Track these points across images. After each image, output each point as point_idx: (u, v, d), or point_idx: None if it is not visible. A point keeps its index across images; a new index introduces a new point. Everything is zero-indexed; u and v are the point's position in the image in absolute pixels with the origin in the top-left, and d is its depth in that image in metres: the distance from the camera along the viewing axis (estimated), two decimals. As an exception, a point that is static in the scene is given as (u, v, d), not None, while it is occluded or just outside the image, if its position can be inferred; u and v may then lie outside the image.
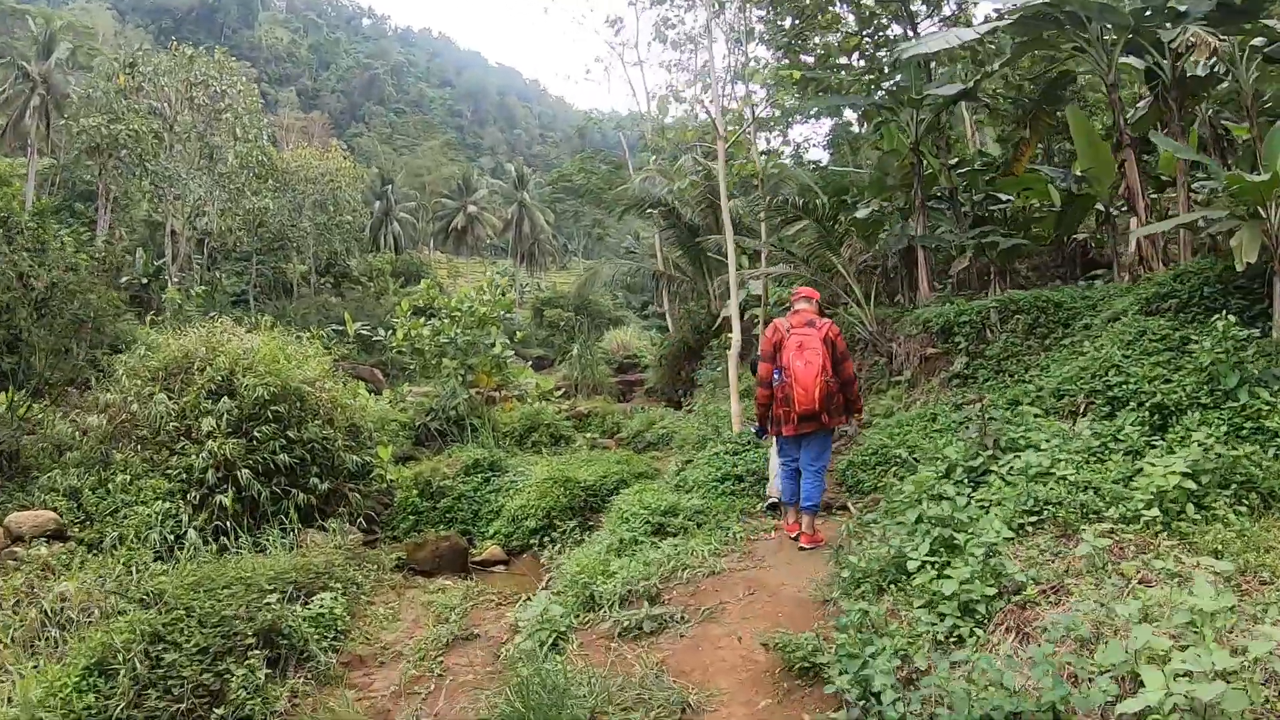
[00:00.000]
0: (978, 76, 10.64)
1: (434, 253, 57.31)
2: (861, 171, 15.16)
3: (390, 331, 14.31)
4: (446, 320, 14.26)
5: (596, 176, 27.06)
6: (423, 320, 14.54)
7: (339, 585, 7.95)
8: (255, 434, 9.66)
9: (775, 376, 6.03)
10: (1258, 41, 8.87)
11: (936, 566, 4.23)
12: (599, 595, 5.25)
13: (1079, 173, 10.46)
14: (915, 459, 6.93)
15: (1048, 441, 6.01)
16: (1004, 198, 11.55)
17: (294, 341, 13.16)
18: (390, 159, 56.71)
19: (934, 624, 3.82)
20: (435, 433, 13.96)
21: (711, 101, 9.26)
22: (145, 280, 30.98)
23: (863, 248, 9.98)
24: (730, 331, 18.45)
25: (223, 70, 30.98)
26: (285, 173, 38.49)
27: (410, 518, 10.61)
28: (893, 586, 4.36)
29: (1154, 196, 10.16)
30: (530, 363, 36.25)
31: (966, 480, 5.82)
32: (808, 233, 10.51)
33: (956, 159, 12.74)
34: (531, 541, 9.96)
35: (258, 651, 5.29)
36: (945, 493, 4.97)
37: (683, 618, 4.75)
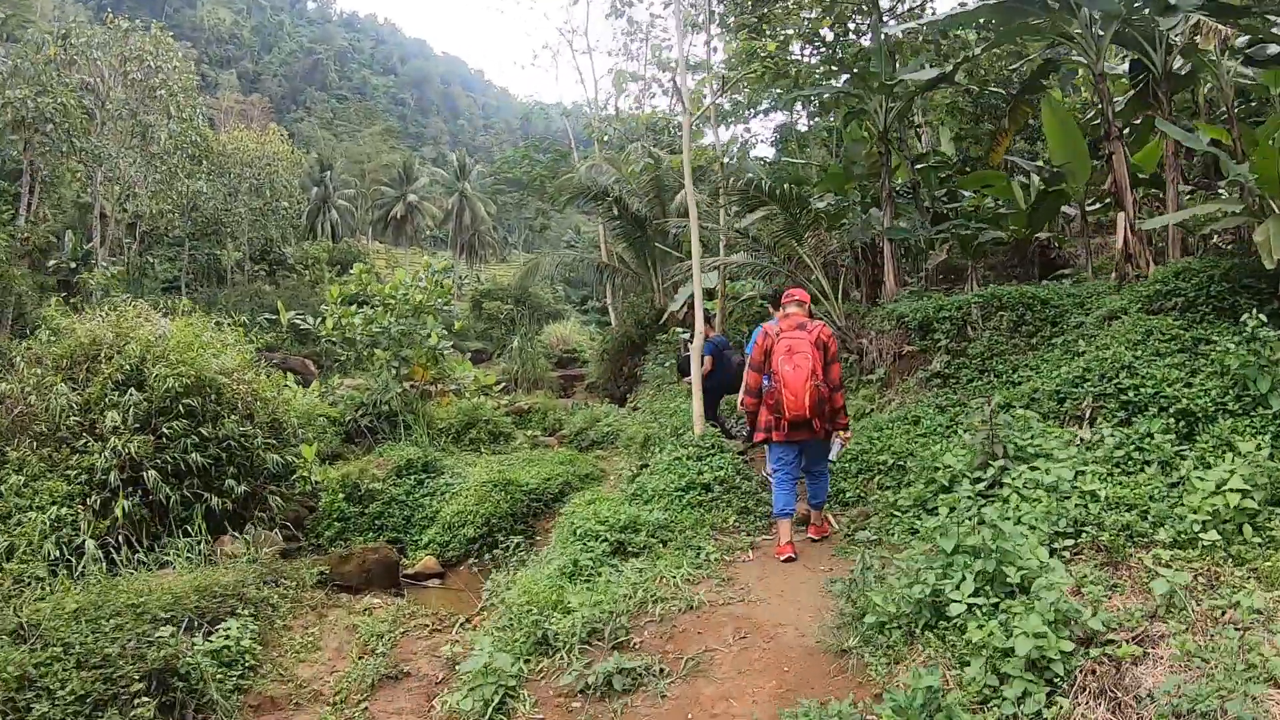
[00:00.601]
0: (958, 61, 9.90)
1: (372, 242, 54.95)
2: (812, 165, 14.43)
3: (320, 320, 12.92)
4: (380, 308, 12.95)
5: (540, 166, 25.82)
6: (355, 308, 13.19)
7: (250, 609, 6.85)
8: (165, 430, 8.43)
9: (765, 382, 5.60)
10: (1240, 41, 8.37)
11: (984, 610, 3.33)
12: (554, 635, 4.22)
13: (1054, 167, 9.84)
14: (902, 465, 6.08)
15: (1063, 450, 5.21)
16: (968, 194, 10.89)
17: (214, 328, 11.80)
18: (330, 145, 54.06)
19: (997, 689, 2.91)
20: (366, 429, 12.67)
21: (677, 68, 8.25)
22: (74, 265, 28.59)
23: (828, 238, 9.15)
24: (680, 325, 17.75)
25: (159, 46, 28.69)
26: (221, 155, 36.25)
27: (335, 524, 9.41)
28: (928, 634, 3.45)
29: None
30: (469, 356, 34.90)
31: (975, 495, 4.98)
32: (775, 220, 9.63)
33: (918, 154, 12.07)
34: (470, 551, 8.86)
35: (147, 700, 4.33)
36: (984, 515, 4.07)
37: (662, 670, 3.76)
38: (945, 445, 5.89)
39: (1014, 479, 4.99)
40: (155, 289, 36.76)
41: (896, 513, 5.31)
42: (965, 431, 5.64)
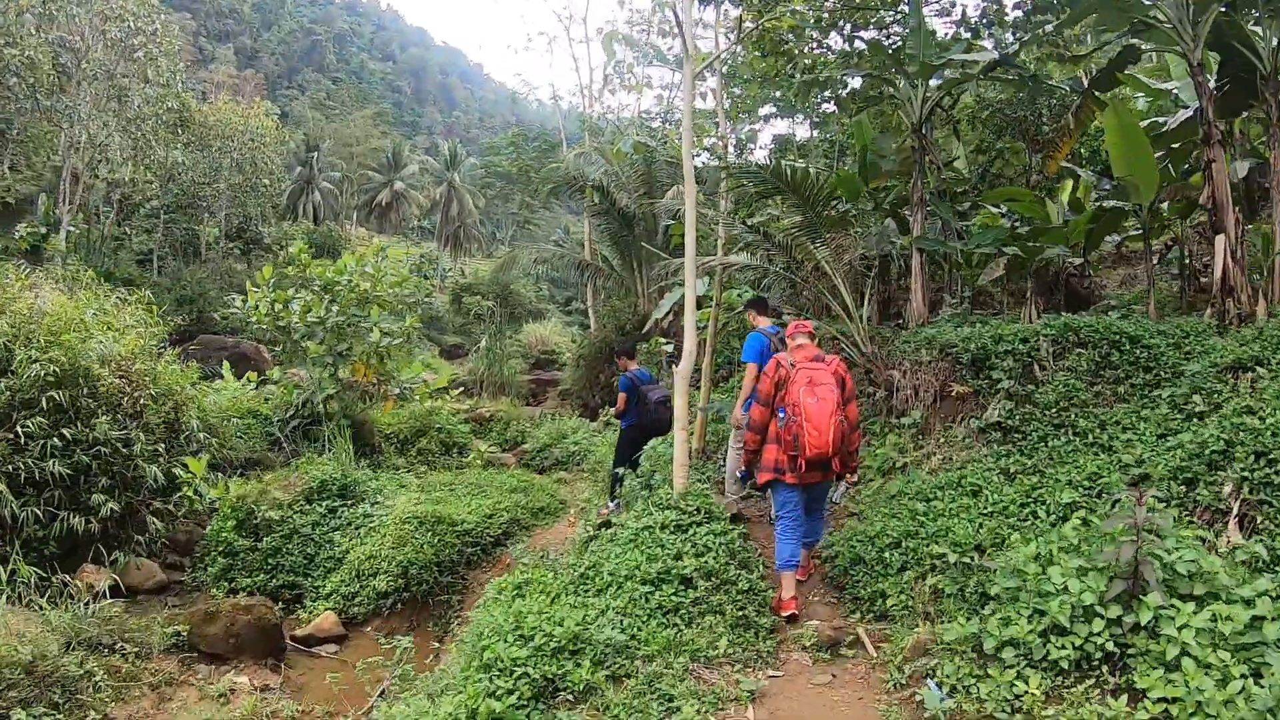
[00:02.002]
0: (1014, 46, 7.99)
1: (356, 228, 52.44)
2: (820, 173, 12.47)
3: (247, 303, 10.78)
4: (318, 294, 10.82)
5: (526, 155, 23.73)
6: (291, 292, 11.06)
7: (56, 693, 5.07)
8: (20, 429, 6.80)
9: (780, 416, 4.84)
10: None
11: None
12: None
13: (1115, 179, 7.96)
14: (967, 564, 4.10)
15: (1231, 574, 3.31)
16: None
17: (115, 305, 9.70)
18: (319, 125, 51.40)
19: None
20: (297, 433, 10.55)
21: (680, 10, 6.22)
22: (45, 230, 26.09)
23: (851, 242, 7.19)
24: (664, 335, 15.68)
25: (141, 7, 26.28)
26: (203, 127, 33.83)
27: (221, 560, 7.32)
28: None
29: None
30: (445, 350, 32.71)
31: (1118, 646, 3.04)
32: (789, 215, 7.60)
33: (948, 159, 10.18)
34: (380, 608, 6.80)
35: None
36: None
37: None
38: (1032, 538, 3.91)
39: (1176, 624, 3.05)
40: (130, 260, 34.37)
41: (983, 660, 3.32)
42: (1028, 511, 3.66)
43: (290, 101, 63.18)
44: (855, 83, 9.63)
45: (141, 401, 8.16)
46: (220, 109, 34.21)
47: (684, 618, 3.97)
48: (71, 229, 27.58)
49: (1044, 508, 4.53)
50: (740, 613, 4.06)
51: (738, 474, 5.58)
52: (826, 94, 10.42)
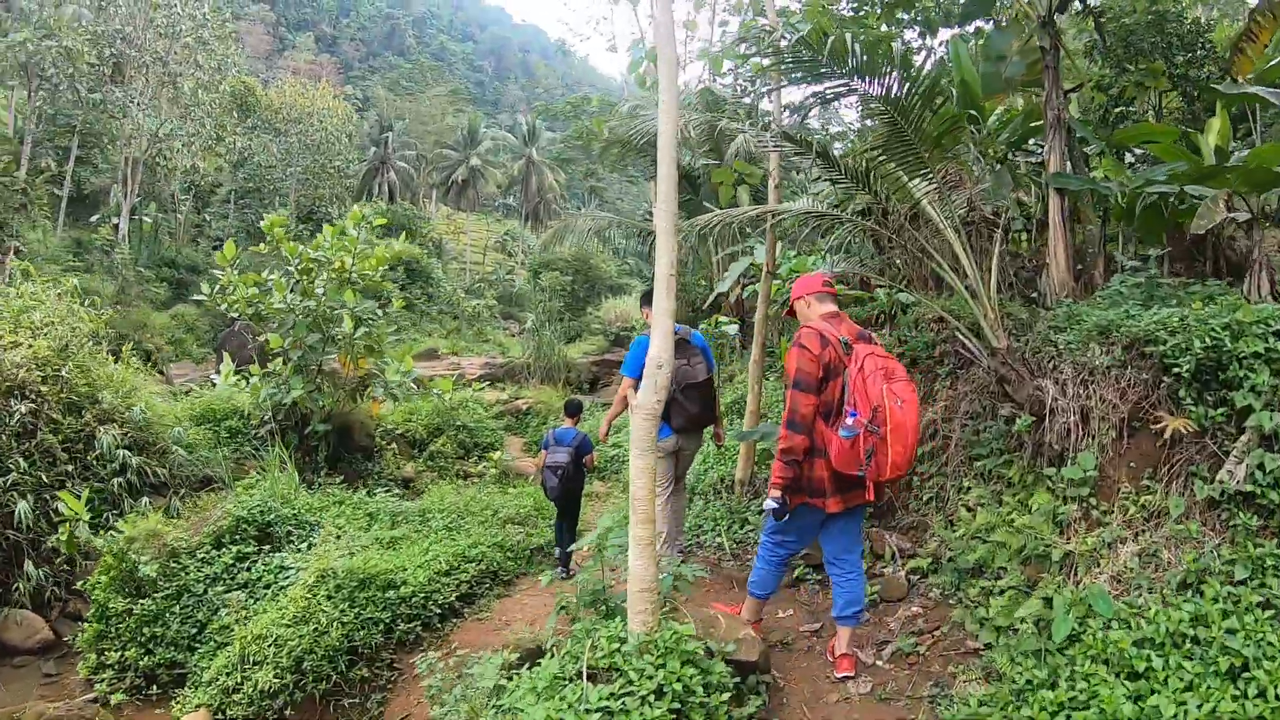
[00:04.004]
0: None
1: (436, 205, 51.74)
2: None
3: (216, 288, 9.02)
4: (293, 276, 8.94)
5: (587, 117, 21.56)
6: (266, 273, 9.23)
7: None
8: None
9: (847, 423, 3.16)
10: None
11: None
12: None
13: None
14: None
15: None
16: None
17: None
18: (392, 104, 50.74)
19: None
20: (270, 440, 8.75)
21: None
22: (115, 220, 26.02)
23: (968, 178, 4.58)
24: (730, 314, 13.28)
25: (189, -8, 25.69)
26: (269, 109, 33.36)
27: (95, 625, 5.49)
28: None
29: None
30: (524, 330, 31.34)
31: None
32: (874, 127, 4.93)
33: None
34: (266, 709, 4.79)
35: None
36: None
37: None
38: None
39: None
40: (207, 248, 34.49)
41: None
42: None
43: (361, 81, 63.10)
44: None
45: (30, 419, 6.51)
46: (287, 92, 33.61)
47: None
48: (146, 218, 27.43)
49: None
50: None
51: (770, 504, 3.33)
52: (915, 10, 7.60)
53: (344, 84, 56.68)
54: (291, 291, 8.64)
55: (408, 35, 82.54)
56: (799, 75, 3.98)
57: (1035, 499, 3.51)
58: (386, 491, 8.13)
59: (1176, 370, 3.33)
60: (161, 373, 17.74)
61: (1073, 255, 5.55)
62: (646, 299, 4.97)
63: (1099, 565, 3.11)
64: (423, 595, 5.42)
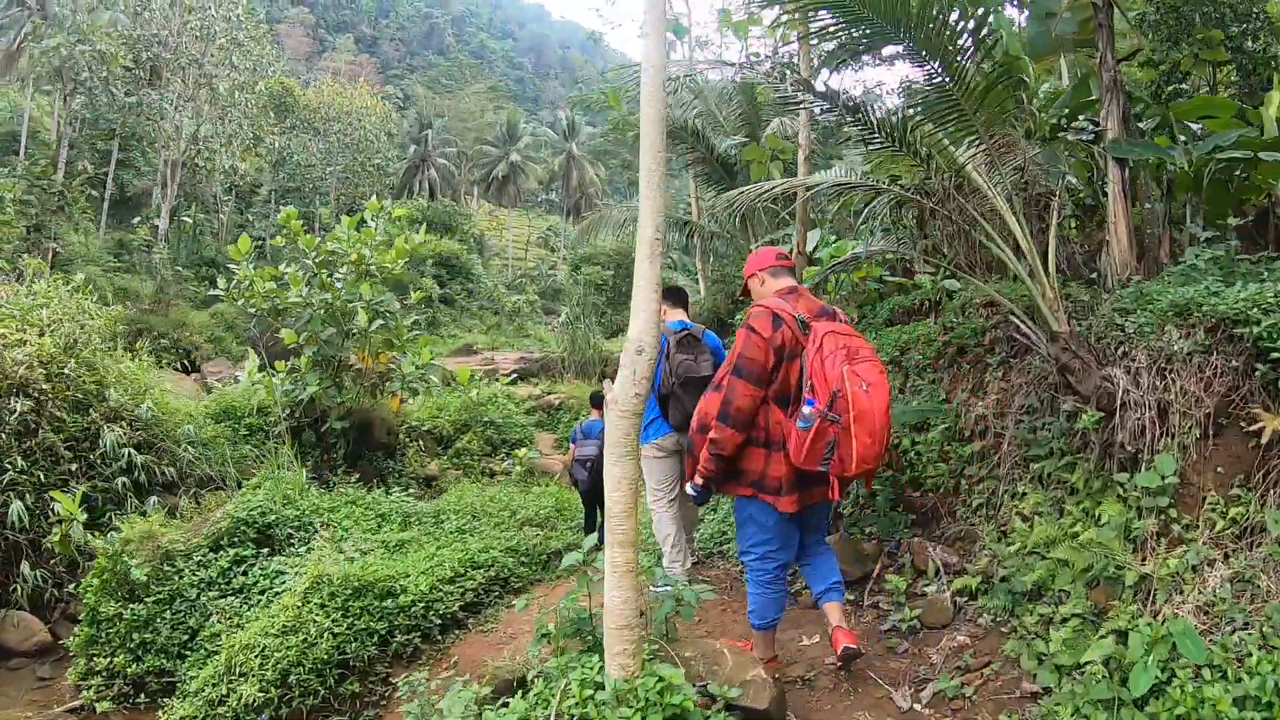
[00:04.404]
0: None
1: (477, 202, 51.87)
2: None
3: (232, 282, 8.85)
4: (309, 269, 8.73)
5: (621, 108, 21.07)
6: (283, 267, 9.04)
7: None
8: None
9: (804, 412, 2.80)
10: None
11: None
12: None
13: None
14: None
15: None
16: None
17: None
18: (431, 102, 50.98)
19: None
20: (287, 438, 8.56)
21: None
22: (155, 221, 26.53)
23: (1022, 143, 4.00)
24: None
25: (220, -5, 26.01)
26: (307, 109, 33.74)
27: (88, 628, 5.30)
28: None
29: None
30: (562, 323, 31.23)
31: None
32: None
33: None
34: (248, 725, 4.49)
35: None
36: None
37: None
38: None
39: None
40: (252, 254, 35.06)
41: None
42: None
43: (407, 84, 63.62)
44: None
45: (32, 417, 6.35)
46: (324, 92, 33.92)
47: None
48: (186, 219, 27.88)
49: None
50: None
51: (690, 491, 3.14)
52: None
53: (384, 84, 57.14)
54: (309, 285, 8.43)
55: (447, 34, 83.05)
56: (832, 19, 3.46)
57: (1104, 509, 2.96)
58: (402, 491, 7.84)
59: (1275, 356, 2.76)
60: (197, 369, 17.86)
61: (1132, 230, 4.93)
62: (668, 294, 4.51)
63: (1181, 593, 2.57)
64: (423, 605, 5.06)
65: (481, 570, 5.66)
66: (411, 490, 8.57)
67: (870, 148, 3.63)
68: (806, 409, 2.77)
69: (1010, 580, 3.10)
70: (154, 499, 6.92)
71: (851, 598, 3.56)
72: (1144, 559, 2.76)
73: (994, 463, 3.80)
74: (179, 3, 25.48)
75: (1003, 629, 3.04)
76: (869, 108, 3.59)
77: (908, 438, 4.58)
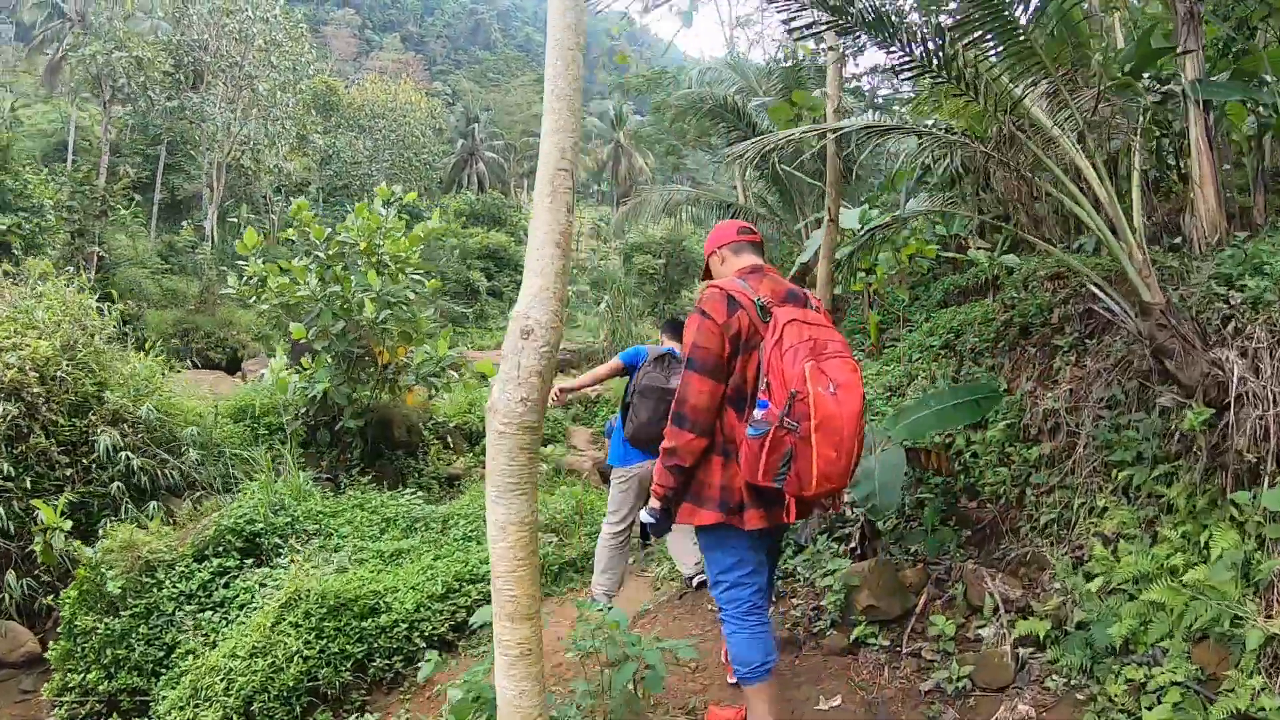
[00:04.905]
0: None
1: (527, 194, 51.88)
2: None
3: (244, 279, 8.57)
4: (319, 262, 8.37)
5: (665, 92, 20.51)
6: (295, 260, 8.71)
7: None
8: None
9: (757, 414, 2.33)
10: None
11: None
12: None
13: None
14: None
15: None
16: None
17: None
18: (477, 96, 51.10)
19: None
20: (300, 437, 8.25)
21: None
22: (203, 224, 27.03)
23: (1097, 85, 3.25)
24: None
25: (255, -2, 26.26)
26: (351, 107, 34.04)
27: (65, 642, 5.00)
28: None
29: None
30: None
31: None
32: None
33: None
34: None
35: None
36: None
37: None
38: None
39: None
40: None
41: None
42: None
43: (454, 80, 63.97)
44: None
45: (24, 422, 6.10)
46: (368, 89, 34.16)
47: None
48: (233, 219, 28.35)
49: None
50: None
51: (646, 517, 2.56)
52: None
53: (431, 80, 57.55)
54: (320, 279, 8.07)
55: (492, 29, 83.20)
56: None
57: (1214, 537, 2.24)
58: (413, 493, 7.38)
59: None
60: (239, 368, 17.99)
61: (1218, 182, 4.08)
62: (670, 327, 4.14)
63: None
64: (406, 625, 4.58)
65: (478, 585, 5.14)
66: (430, 491, 8.17)
67: (901, 77, 2.94)
68: (758, 412, 2.25)
69: (1089, 629, 2.38)
70: (154, 503, 6.65)
71: (887, 643, 2.87)
72: (1270, 610, 2.04)
73: (1066, 469, 3.08)
74: (218, 8, 25.82)
75: (1078, 695, 2.31)
76: (890, 17, 2.86)
77: (962, 436, 3.88)
